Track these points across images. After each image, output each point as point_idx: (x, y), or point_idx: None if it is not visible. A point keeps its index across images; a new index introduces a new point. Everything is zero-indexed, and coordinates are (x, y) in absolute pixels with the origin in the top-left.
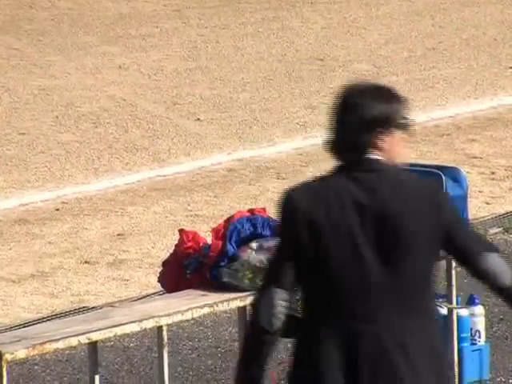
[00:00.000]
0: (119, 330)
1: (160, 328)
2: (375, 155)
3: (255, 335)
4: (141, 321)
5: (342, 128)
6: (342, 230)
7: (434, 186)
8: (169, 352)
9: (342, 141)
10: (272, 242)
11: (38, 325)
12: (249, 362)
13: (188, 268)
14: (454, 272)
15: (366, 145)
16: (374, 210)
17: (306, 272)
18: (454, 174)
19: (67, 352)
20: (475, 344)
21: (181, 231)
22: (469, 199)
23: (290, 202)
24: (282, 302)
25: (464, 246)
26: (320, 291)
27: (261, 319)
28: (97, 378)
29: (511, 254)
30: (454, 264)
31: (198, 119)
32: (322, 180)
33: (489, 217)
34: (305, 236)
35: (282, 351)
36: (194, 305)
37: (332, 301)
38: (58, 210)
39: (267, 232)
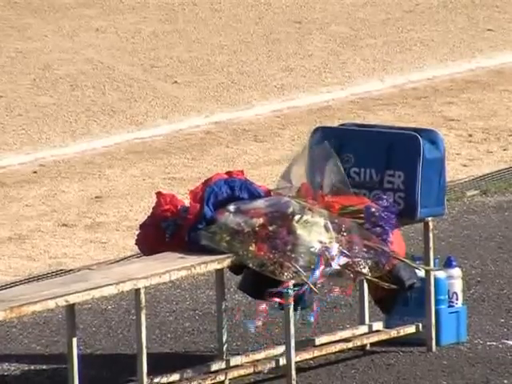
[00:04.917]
0: (97, 293)
1: (138, 290)
2: None
3: None
4: (118, 283)
5: None
6: None
7: None
8: (146, 314)
9: None
10: (249, 205)
11: (16, 287)
12: None
13: (166, 231)
14: (431, 234)
15: None
16: None
17: None
18: (431, 136)
19: (45, 315)
20: (452, 306)
21: (158, 194)
22: (446, 162)
23: None
24: None
25: None
26: None
27: None
28: (74, 340)
29: (488, 215)
30: (431, 226)
31: (176, 82)
32: None
33: (466, 179)
34: None
35: None
36: (171, 267)
37: None
38: (35, 172)
39: (245, 195)
